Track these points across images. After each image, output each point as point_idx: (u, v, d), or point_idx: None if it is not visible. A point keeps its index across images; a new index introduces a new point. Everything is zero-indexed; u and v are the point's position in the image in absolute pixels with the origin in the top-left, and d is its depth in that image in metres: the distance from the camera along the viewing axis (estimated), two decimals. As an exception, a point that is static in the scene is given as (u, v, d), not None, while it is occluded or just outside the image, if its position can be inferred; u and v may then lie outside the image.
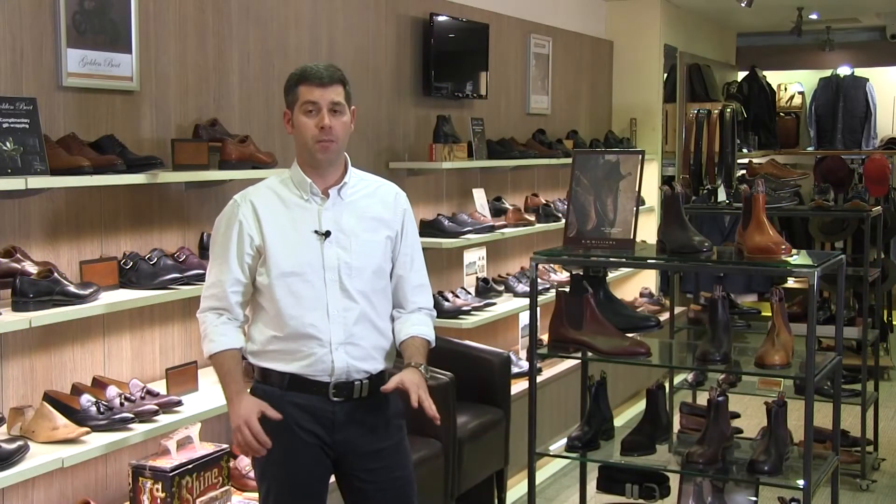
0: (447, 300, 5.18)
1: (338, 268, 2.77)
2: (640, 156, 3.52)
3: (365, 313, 2.80)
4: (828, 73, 10.79)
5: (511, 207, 5.98)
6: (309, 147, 2.78)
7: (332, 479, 2.92)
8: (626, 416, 6.36)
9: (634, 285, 7.76)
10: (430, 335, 2.92)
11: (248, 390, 2.87)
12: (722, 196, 5.34)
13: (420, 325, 2.90)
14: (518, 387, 5.02)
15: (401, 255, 2.91)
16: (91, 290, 3.24)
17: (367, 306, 2.80)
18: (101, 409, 3.23)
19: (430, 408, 2.70)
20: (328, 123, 2.75)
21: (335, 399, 2.77)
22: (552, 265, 6.18)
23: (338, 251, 2.78)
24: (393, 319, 2.92)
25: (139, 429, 3.25)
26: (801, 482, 3.24)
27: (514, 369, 5.15)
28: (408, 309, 2.92)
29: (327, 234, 2.78)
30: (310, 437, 2.78)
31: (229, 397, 2.77)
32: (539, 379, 5.07)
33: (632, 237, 3.44)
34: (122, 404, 3.29)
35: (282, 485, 2.82)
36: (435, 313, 3.01)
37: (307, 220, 2.79)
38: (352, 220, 2.82)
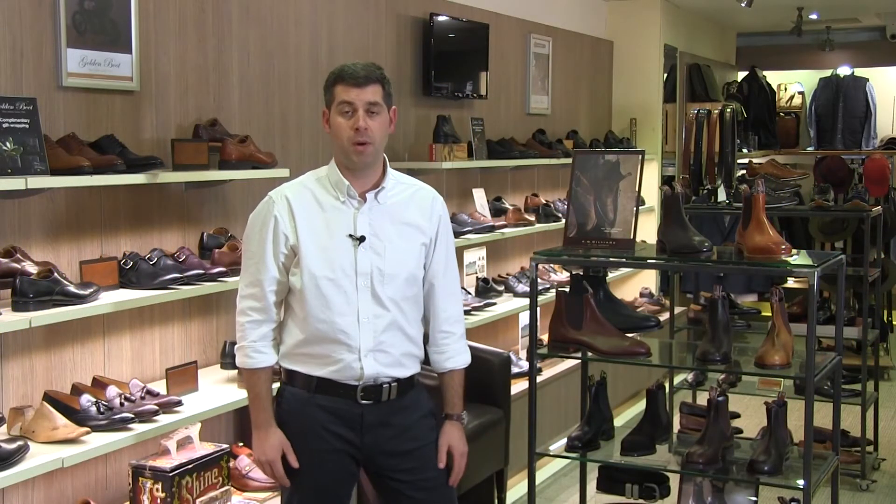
0: (447, 300, 5.17)
1: (370, 274, 2.73)
2: (640, 156, 3.52)
3: (395, 321, 2.76)
4: (828, 73, 10.79)
5: (511, 207, 5.98)
6: (345, 149, 2.73)
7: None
8: (626, 416, 6.36)
9: (634, 285, 7.76)
10: (467, 359, 2.96)
11: (275, 393, 2.85)
12: (722, 196, 5.33)
13: (457, 357, 2.93)
14: (518, 387, 5.02)
15: (434, 262, 2.86)
16: (91, 290, 3.24)
17: (397, 314, 2.76)
18: (101, 409, 3.22)
19: (455, 480, 2.90)
20: (363, 125, 2.69)
21: (363, 402, 2.73)
22: (552, 265, 6.18)
23: (371, 257, 2.73)
24: (426, 337, 2.90)
25: (139, 429, 3.25)
26: (801, 482, 3.24)
27: (514, 369, 5.14)
28: (440, 328, 2.90)
29: (362, 238, 2.73)
30: (337, 440, 2.75)
31: (256, 425, 2.77)
32: (539, 379, 5.06)
33: (632, 237, 3.44)
34: (122, 404, 3.29)
35: (307, 489, 2.79)
36: (464, 327, 2.99)
37: (342, 223, 2.74)
38: (387, 226, 2.77)
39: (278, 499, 3.64)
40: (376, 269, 2.73)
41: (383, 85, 2.77)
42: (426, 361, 2.93)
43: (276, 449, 2.74)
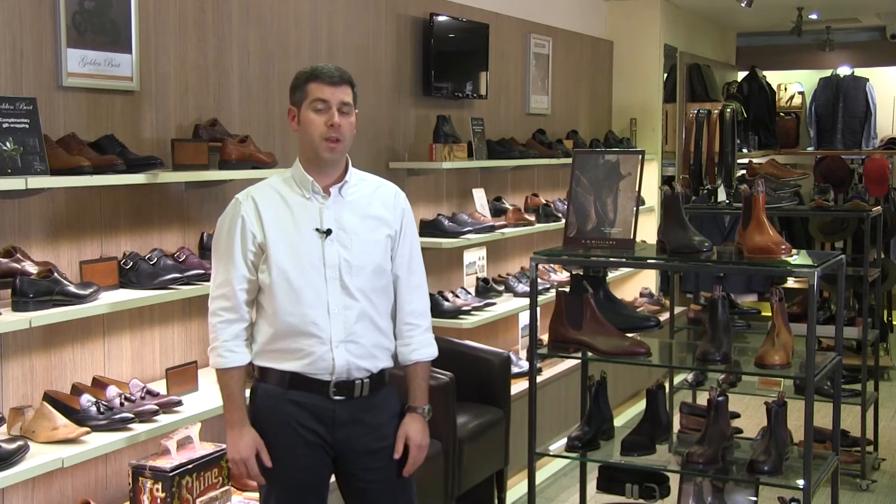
0: (447, 300, 5.18)
1: (338, 265, 2.78)
2: (640, 156, 3.52)
3: (365, 311, 2.80)
4: (828, 73, 10.79)
5: (511, 207, 5.98)
6: (315, 145, 2.79)
7: (332, 478, 2.93)
8: (626, 416, 6.36)
9: (634, 285, 7.76)
10: (433, 352, 2.97)
11: (248, 390, 2.88)
12: (722, 196, 5.34)
13: (422, 349, 2.94)
14: (518, 387, 5.02)
15: (398, 256, 2.91)
16: (91, 290, 3.24)
17: (367, 304, 2.81)
18: (101, 409, 3.23)
19: (409, 471, 2.88)
20: (337, 121, 2.77)
21: (336, 398, 2.78)
22: (552, 265, 6.18)
23: (339, 249, 2.79)
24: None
25: (139, 429, 3.25)
26: (801, 482, 3.24)
27: (514, 369, 5.15)
28: (404, 320, 2.92)
29: (328, 231, 2.79)
30: (311, 435, 2.79)
31: (230, 424, 2.81)
32: (539, 379, 5.07)
33: (632, 237, 3.44)
34: (122, 404, 3.29)
35: (283, 485, 2.82)
36: (430, 320, 3.00)
37: (308, 217, 2.80)
38: (353, 219, 2.83)
39: (278, 499, 3.65)
40: (344, 261, 2.78)
41: (353, 87, 2.85)
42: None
43: (249, 447, 2.78)
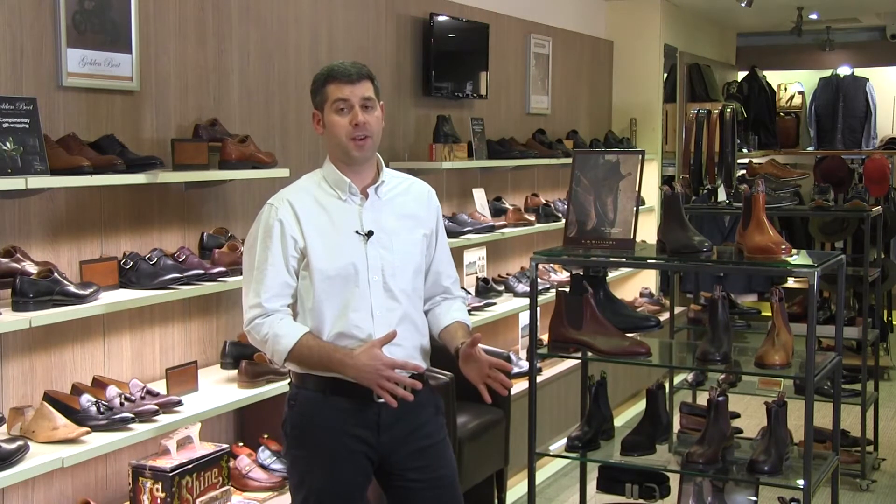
0: (447, 300, 5.17)
1: (381, 268, 2.74)
2: (640, 156, 3.52)
3: (407, 313, 2.78)
4: (828, 73, 10.78)
5: (511, 207, 5.98)
6: (343, 145, 2.75)
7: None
8: (626, 416, 6.36)
9: (634, 285, 7.76)
10: (469, 322, 2.97)
11: (287, 398, 2.84)
12: (722, 196, 5.33)
13: (461, 312, 2.95)
14: (518, 387, 5.01)
15: (438, 252, 2.91)
16: (91, 290, 3.24)
17: (409, 306, 2.79)
18: (101, 409, 3.22)
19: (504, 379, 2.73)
20: (362, 119, 2.72)
21: (379, 400, 2.70)
22: (552, 265, 6.18)
23: (380, 251, 2.75)
24: (427, 311, 2.93)
25: (139, 429, 3.25)
26: (801, 482, 3.24)
27: (515, 369, 5.15)
28: (447, 296, 2.93)
29: (370, 234, 2.75)
30: (355, 442, 2.74)
31: (341, 361, 2.64)
32: (539, 379, 5.06)
33: (632, 237, 3.44)
34: (122, 404, 3.29)
35: (322, 493, 2.76)
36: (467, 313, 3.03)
37: (347, 220, 2.75)
38: (391, 220, 2.80)
39: (279, 499, 3.66)
40: (387, 262, 2.75)
41: (373, 81, 2.80)
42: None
43: (372, 354, 2.62)
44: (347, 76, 2.74)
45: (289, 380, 2.93)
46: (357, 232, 2.74)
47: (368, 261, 2.73)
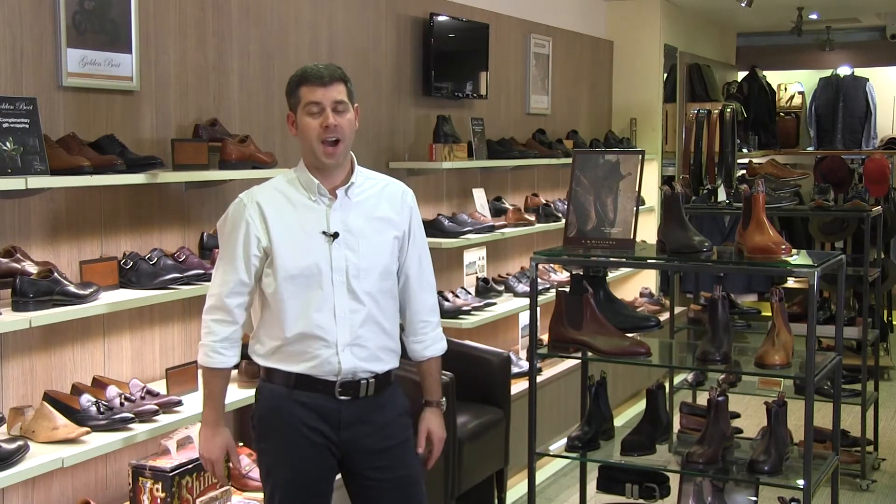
0: (447, 300, 5.18)
1: (346, 269, 2.76)
2: (640, 156, 3.52)
3: (371, 315, 2.79)
4: (828, 73, 10.79)
5: (511, 207, 5.98)
6: (314, 149, 2.76)
7: (337, 478, 2.92)
8: (626, 416, 6.36)
9: (634, 285, 7.76)
10: (444, 346, 3.00)
11: (255, 390, 2.90)
12: (722, 196, 5.34)
13: (434, 345, 2.97)
14: (518, 387, 5.02)
15: (408, 255, 2.90)
16: (91, 290, 3.24)
17: (373, 307, 2.79)
18: (101, 409, 3.23)
19: (432, 463, 2.99)
20: (333, 122, 2.73)
21: (341, 398, 2.76)
22: (552, 265, 6.18)
23: (346, 252, 2.77)
24: (402, 329, 2.94)
25: (139, 429, 3.25)
26: (801, 482, 3.24)
27: (514, 369, 5.15)
28: (418, 318, 2.94)
29: (335, 235, 2.76)
30: (316, 435, 2.77)
31: (205, 422, 2.87)
32: (539, 379, 5.07)
33: (632, 237, 3.44)
34: (122, 404, 3.29)
35: (287, 485, 2.81)
36: (439, 316, 3.02)
37: (315, 221, 2.78)
38: (360, 221, 2.81)
39: (278, 499, 3.65)
40: (351, 264, 2.77)
41: (346, 83, 2.80)
42: (404, 354, 2.95)
43: (220, 449, 2.84)
44: (320, 78, 2.75)
45: None
46: (323, 233, 2.76)
47: (333, 262, 2.75)
